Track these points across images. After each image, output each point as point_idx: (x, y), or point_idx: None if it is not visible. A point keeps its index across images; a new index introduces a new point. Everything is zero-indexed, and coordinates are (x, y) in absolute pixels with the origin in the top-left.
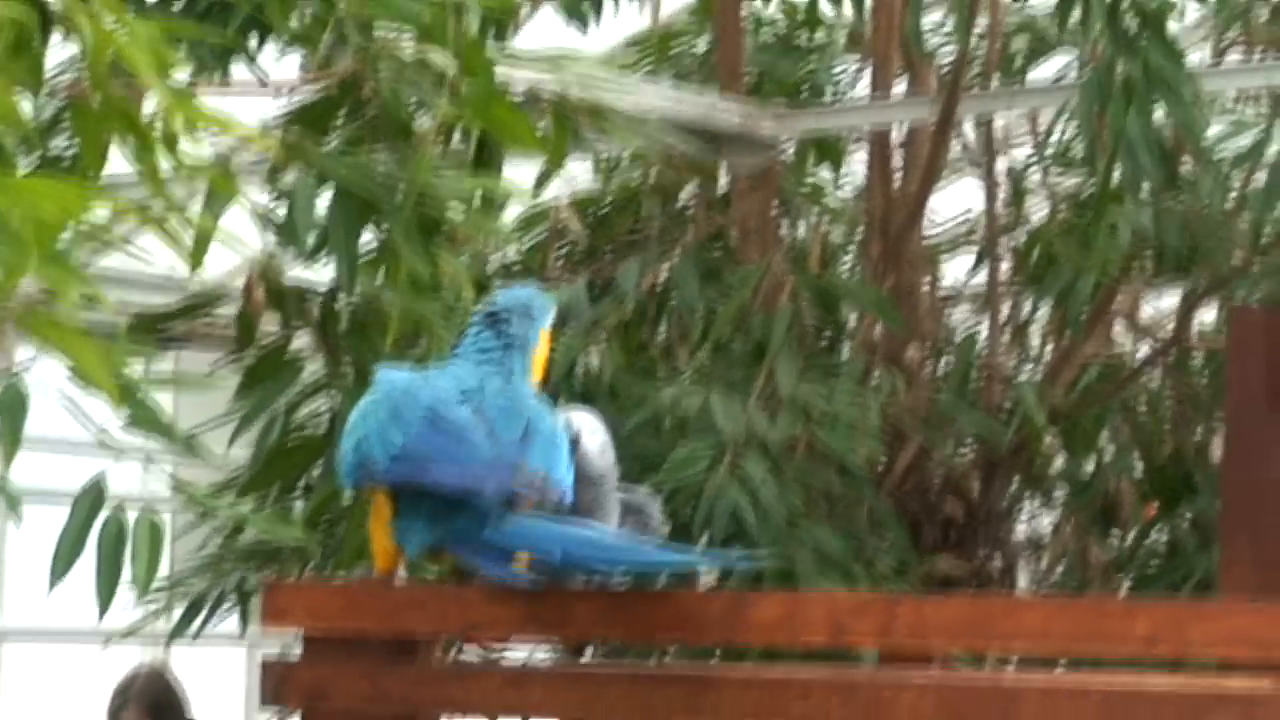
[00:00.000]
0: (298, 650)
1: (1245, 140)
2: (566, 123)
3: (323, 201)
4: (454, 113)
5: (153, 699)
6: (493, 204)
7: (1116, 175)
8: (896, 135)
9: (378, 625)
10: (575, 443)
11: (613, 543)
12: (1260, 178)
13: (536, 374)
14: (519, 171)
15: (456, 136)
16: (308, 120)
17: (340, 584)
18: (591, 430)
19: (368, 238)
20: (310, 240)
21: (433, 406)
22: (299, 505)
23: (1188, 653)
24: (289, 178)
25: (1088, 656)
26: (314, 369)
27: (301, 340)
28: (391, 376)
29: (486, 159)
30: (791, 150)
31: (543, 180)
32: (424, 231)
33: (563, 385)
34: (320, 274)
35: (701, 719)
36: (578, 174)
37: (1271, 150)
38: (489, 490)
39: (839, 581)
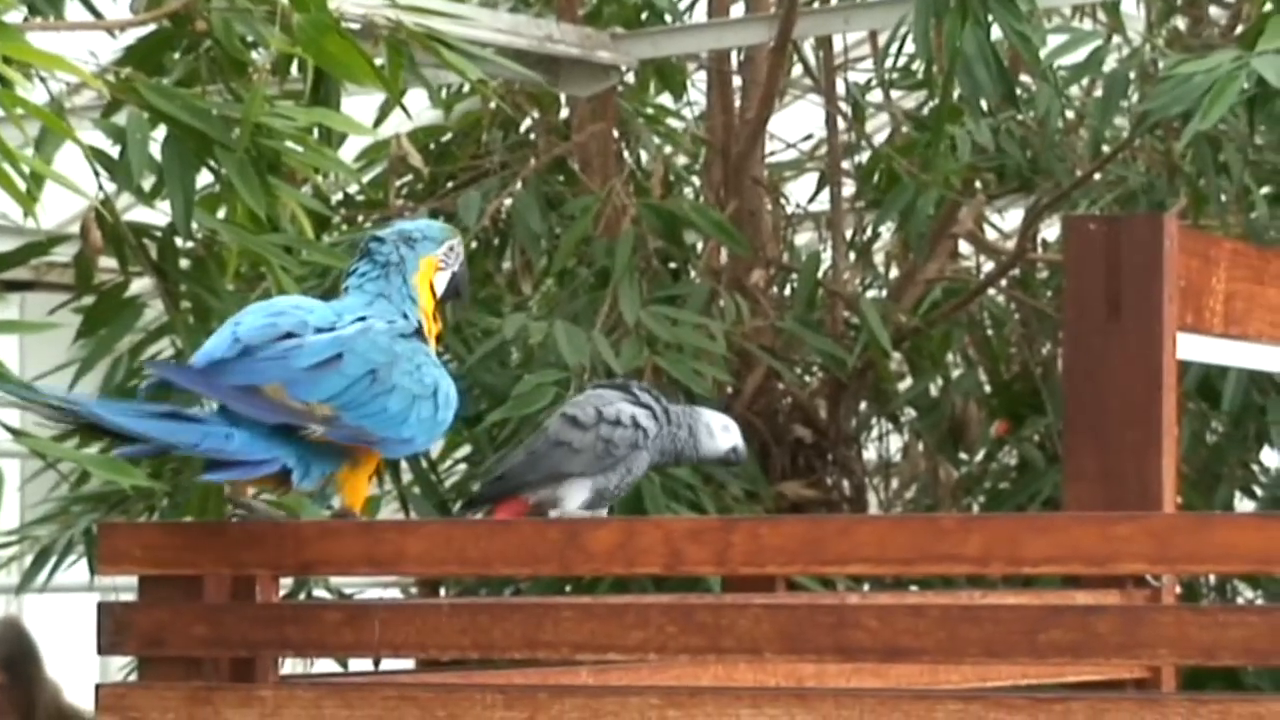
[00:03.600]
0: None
1: (1082, 53)
2: (401, 53)
3: (159, 140)
4: (288, 46)
5: (5, 651)
6: (331, 138)
7: (956, 93)
8: (736, 58)
9: (215, 565)
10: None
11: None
12: (1098, 91)
13: (422, 300)
14: (361, 104)
15: (294, 71)
16: (140, 58)
17: (177, 524)
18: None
19: (205, 176)
20: (147, 180)
21: (236, 332)
22: None
23: (1022, 569)
24: (123, 117)
25: (924, 576)
26: (158, 311)
27: (142, 282)
28: (276, 301)
29: (324, 93)
30: (632, 76)
31: (384, 113)
32: (261, 168)
33: None
34: (160, 214)
35: (540, 651)
36: (418, 106)
37: (1108, 63)
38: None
39: (687, 510)
